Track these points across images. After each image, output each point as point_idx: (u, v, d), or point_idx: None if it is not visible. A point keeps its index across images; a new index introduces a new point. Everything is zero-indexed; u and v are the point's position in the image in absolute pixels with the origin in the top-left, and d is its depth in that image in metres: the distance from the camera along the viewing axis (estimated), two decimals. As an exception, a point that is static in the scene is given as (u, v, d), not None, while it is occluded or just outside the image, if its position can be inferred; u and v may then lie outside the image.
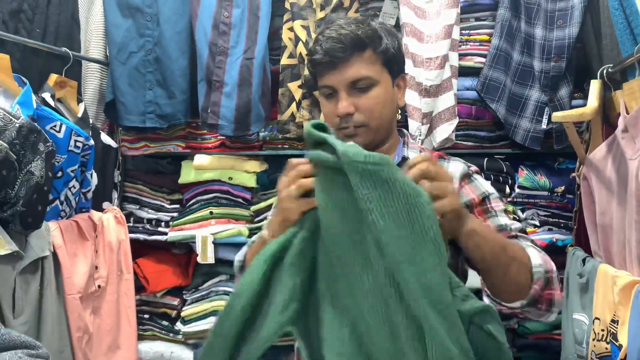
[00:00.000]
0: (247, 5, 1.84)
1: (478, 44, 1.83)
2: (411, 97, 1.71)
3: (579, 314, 1.47)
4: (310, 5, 1.80)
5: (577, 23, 1.61)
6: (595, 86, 1.44)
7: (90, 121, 1.79)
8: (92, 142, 1.67)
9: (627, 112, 1.24)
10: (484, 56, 1.79)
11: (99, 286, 1.73)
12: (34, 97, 1.48)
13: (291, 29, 1.82)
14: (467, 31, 1.82)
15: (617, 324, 1.20)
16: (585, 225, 1.52)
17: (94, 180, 1.77)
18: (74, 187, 1.66)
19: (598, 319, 1.31)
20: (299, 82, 1.83)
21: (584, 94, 1.77)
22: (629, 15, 1.27)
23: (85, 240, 1.69)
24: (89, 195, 1.75)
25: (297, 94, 1.83)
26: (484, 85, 1.73)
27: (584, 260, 1.48)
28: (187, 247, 2.09)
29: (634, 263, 1.21)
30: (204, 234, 1.92)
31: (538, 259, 0.89)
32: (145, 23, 1.89)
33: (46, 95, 1.61)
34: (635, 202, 1.16)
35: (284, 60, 1.84)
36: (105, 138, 1.88)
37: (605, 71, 1.44)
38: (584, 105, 1.69)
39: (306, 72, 1.77)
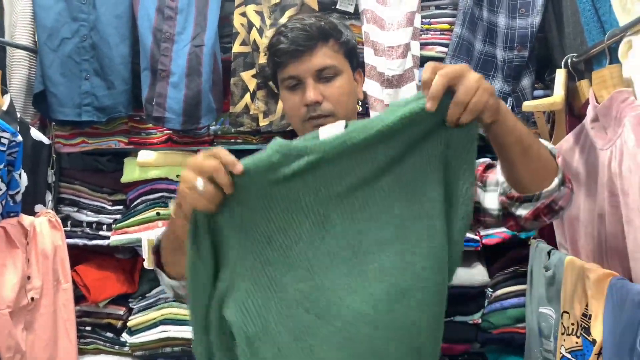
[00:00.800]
0: (195, -13, 1.70)
1: (439, 33, 1.78)
2: (372, 88, 1.63)
3: (545, 307, 1.46)
4: (264, -11, 1.69)
5: (539, 11, 1.59)
6: (560, 75, 1.42)
7: (18, 115, 1.63)
8: (19, 138, 1.50)
9: (598, 102, 1.21)
10: (445, 45, 1.74)
11: (32, 298, 1.59)
12: (-53, 87, 1.30)
13: (243, 14, 1.70)
14: (428, 20, 1.77)
15: (590, 318, 1.17)
16: (548, 218, 1.51)
17: (24, 181, 1.61)
18: (0, 190, 1.49)
19: (567, 312, 1.29)
20: (253, 71, 1.72)
21: (544, 84, 1.76)
22: (596, 2, 1.25)
23: (14, 248, 1.55)
24: (18, 197, 1.58)
25: (251, 84, 1.72)
26: (446, 75, 1.68)
27: (549, 253, 1.46)
28: (132, 252, 1.96)
29: (604, 255, 1.19)
30: (151, 237, 1.79)
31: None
32: (80, 5, 1.73)
33: (-38, 85, 1.43)
34: (607, 193, 1.14)
35: (236, 48, 1.73)
36: (35, 134, 1.71)
37: (570, 60, 1.42)
38: (545, 95, 1.69)
39: (261, 60, 1.66)
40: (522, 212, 0.92)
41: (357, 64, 1.11)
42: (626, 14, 1.12)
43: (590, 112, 1.24)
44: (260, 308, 0.83)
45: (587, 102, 1.30)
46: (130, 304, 1.88)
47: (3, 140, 1.45)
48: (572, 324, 1.27)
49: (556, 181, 0.89)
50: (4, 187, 1.51)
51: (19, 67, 1.75)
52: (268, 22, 1.69)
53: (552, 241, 1.52)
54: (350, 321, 0.83)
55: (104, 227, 1.88)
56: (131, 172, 1.85)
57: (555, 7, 1.60)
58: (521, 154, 0.86)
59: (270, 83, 1.69)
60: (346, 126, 0.84)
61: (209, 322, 0.86)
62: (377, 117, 0.81)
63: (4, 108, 1.56)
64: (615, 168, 1.11)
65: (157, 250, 0.98)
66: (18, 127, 1.55)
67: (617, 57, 1.18)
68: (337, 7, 1.74)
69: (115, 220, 1.87)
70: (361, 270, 0.84)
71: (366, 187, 0.83)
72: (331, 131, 0.82)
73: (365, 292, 0.83)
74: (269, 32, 1.64)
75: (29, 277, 1.59)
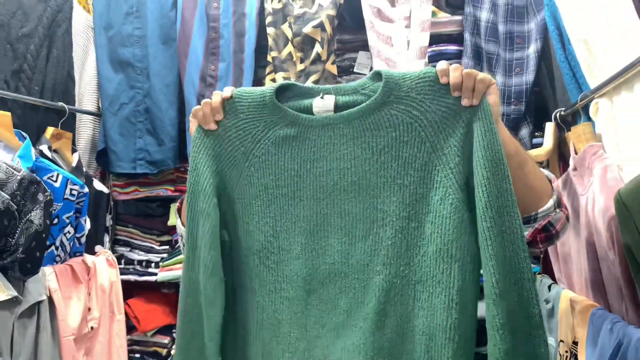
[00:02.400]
0: (232, 59, 1.98)
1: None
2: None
3: (547, 338, 1.58)
4: (291, 58, 1.94)
5: (532, 70, 1.77)
6: (549, 128, 1.58)
7: (84, 169, 1.89)
8: (86, 190, 1.75)
9: (576, 153, 1.38)
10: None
11: (92, 327, 1.76)
12: (33, 150, 1.58)
13: (273, 80, 1.96)
14: (435, 78, 1.97)
15: (578, 346, 1.31)
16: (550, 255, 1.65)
17: (87, 225, 1.85)
18: (69, 233, 1.74)
19: (562, 341, 1.42)
20: (281, 128, 1.95)
21: (543, 132, 1.92)
22: (573, 66, 1.43)
23: (79, 283, 1.74)
24: (83, 239, 1.82)
25: (280, 139, 1.95)
26: (452, 127, 1.87)
27: (549, 287, 1.60)
28: (176, 287, 2.15)
29: (589, 288, 1.33)
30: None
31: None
32: (136, 77, 2.01)
33: (44, 147, 1.71)
34: (586, 233, 1.29)
35: (267, 108, 1.97)
36: (97, 184, 1.97)
37: (558, 114, 1.59)
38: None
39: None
40: None
41: None
42: (593, 78, 1.30)
43: (571, 162, 1.41)
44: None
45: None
46: (174, 334, 2.04)
47: (73, 192, 1.71)
48: (566, 352, 1.39)
49: (551, 202, 0.91)
50: (72, 231, 1.76)
51: (86, 129, 2.04)
52: (294, 85, 1.94)
53: (553, 277, 1.65)
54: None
55: (153, 264, 2.08)
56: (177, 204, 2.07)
57: (547, 67, 1.77)
58: (519, 167, 0.88)
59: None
60: (336, 104, 0.90)
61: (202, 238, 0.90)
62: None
63: (74, 164, 1.83)
64: (590, 211, 1.26)
65: (180, 209, 1.11)
66: (84, 180, 1.82)
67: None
68: (354, 70, 1.98)
69: (162, 259, 2.07)
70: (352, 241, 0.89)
71: (356, 169, 0.88)
72: (323, 104, 0.90)
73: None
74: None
75: (89, 309, 1.77)
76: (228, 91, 0.95)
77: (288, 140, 0.91)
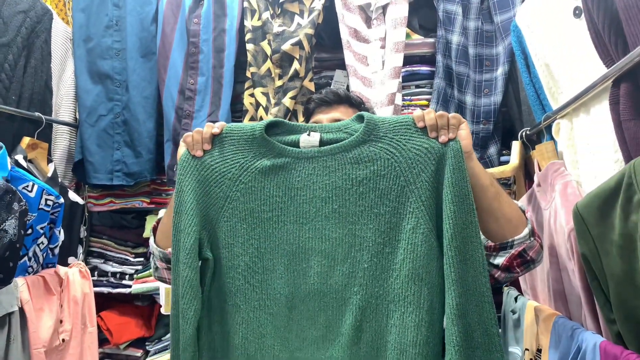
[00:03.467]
0: (212, 73, 2.01)
1: (418, 108, 2.05)
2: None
3: (513, 347, 1.63)
4: (270, 74, 1.99)
5: (500, 92, 1.86)
6: (515, 147, 1.66)
7: (59, 180, 1.88)
8: (62, 200, 1.75)
9: (540, 170, 1.46)
10: (424, 119, 2.01)
11: (63, 340, 1.74)
12: (8, 160, 1.57)
13: (252, 95, 2.00)
14: (409, 97, 2.05)
15: (541, 353, 1.37)
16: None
17: (61, 236, 1.84)
18: (43, 244, 1.72)
19: (527, 349, 1.48)
20: (259, 142, 1.99)
21: (510, 150, 2.00)
22: (538, 89, 1.51)
23: (51, 294, 1.72)
24: (56, 251, 1.80)
25: (258, 152, 1.99)
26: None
27: (516, 298, 1.66)
28: (149, 299, 2.15)
29: (552, 298, 1.40)
30: (168, 285, 1.99)
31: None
32: (115, 89, 2.03)
33: (19, 157, 1.70)
34: (549, 245, 1.36)
35: (246, 123, 2.01)
36: (72, 195, 1.96)
37: (524, 133, 1.67)
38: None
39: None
40: (499, 260, 1.02)
41: None
42: (554, 101, 1.39)
43: (535, 179, 1.49)
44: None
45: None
46: (147, 347, 2.04)
47: (48, 202, 1.69)
48: (531, 359, 1.46)
49: (526, 230, 1.01)
50: (46, 242, 1.74)
51: (62, 140, 2.03)
52: (273, 101, 1.98)
53: (520, 289, 1.72)
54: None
55: (127, 276, 2.07)
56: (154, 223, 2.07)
57: (514, 88, 1.86)
58: (494, 198, 0.98)
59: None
60: (321, 140, 1.00)
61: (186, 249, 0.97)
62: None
63: (49, 175, 1.82)
64: (552, 225, 1.33)
65: (155, 228, 1.18)
66: (59, 190, 1.81)
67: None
68: (331, 88, 2.03)
69: (136, 271, 2.06)
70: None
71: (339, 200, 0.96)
72: (309, 140, 0.99)
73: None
74: (274, 110, 1.94)
75: (61, 321, 1.74)
76: (218, 128, 1.01)
77: (275, 169, 0.99)
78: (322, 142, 1.00)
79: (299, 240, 0.98)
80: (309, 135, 1.00)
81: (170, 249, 1.10)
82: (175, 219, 0.99)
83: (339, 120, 1.25)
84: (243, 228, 0.99)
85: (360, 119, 1.00)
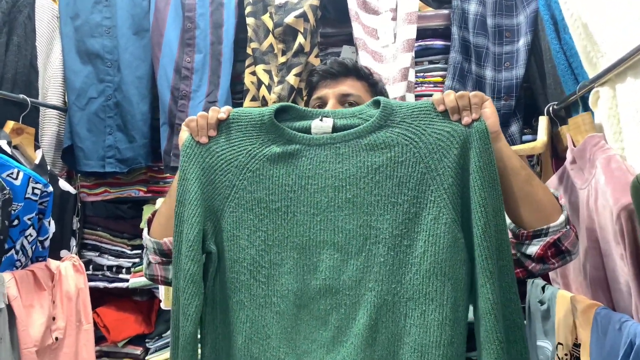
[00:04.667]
0: (209, 51, 1.88)
1: (432, 85, 1.92)
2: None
3: (542, 340, 1.52)
4: (272, 50, 1.85)
5: (522, 65, 1.73)
6: (543, 122, 1.54)
7: (48, 167, 1.75)
8: (50, 188, 1.63)
9: (574, 145, 1.33)
10: (439, 96, 1.88)
11: (57, 338, 1.65)
12: (-11, 145, 1.45)
13: (253, 73, 1.86)
14: (422, 73, 1.92)
15: (580, 348, 1.24)
16: (542, 254, 1.59)
17: (52, 228, 1.72)
18: (31, 236, 1.61)
19: (561, 344, 1.36)
20: (262, 124, 1.86)
21: (532, 129, 1.87)
22: (569, 57, 1.38)
23: (41, 290, 1.62)
24: (46, 243, 1.69)
25: (261, 135, 1.86)
26: (440, 123, 1.81)
27: (543, 288, 1.54)
28: (149, 294, 2.05)
29: (590, 287, 1.27)
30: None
31: None
32: (106, 69, 1.90)
33: (2, 143, 1.57)
34: (587, 228, 1.23)
35: (247, 103, 1.88)
36: (63, 184, 1.84)
37: (551, 108, 1.54)
38: (533, 139, 1.81)
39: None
40: (533, 249, 0.94)
41: None
42: (592, 67, 1.26)
43: (569, 155, 1.36)
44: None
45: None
46: (147, 344, 1.96)
47: (35, 191, 1.57)
48: (566, 355, 1.33)
49: (562, 217, 0.93)
50: (34, 234, 1.63)
51: (50, 125, 1.91)
52: (276, 79, 1.85)
53: (547, 277, 1.60)
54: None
55: (124, 270, 1.97)
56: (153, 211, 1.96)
57: (537, 61, 1.73)
58: (526, 182, 0.92)
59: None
60: (334, 126, 0.94)
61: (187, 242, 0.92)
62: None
63: (37, 162, 1.70)
64: (592, 205, 1.21)
65: (151, 220, 1.10)
66: (48, 179, 1.69)
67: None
68: (336, 58, 1.90)
69: (133, 264, 1.96)
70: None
71: (354, 188, 0.90)
72: (321, 126, 0.93)
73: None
74: (277, 89, 1.80)
75: (54, 318, 1.65)
76: (225, 112, 0.95)
77: (284, 157, 0.93)
78: (335, 128, 0.94)
79: (310, 232, 0.92)
80: (321, 120, 0.94)
81: (165, 239, 1.02)
82: (178, 209, 0.93)
83: (346, 94, 1.14)
84: (250, 219, 0.93)
85: (376, 104, 0.94)
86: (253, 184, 0.93)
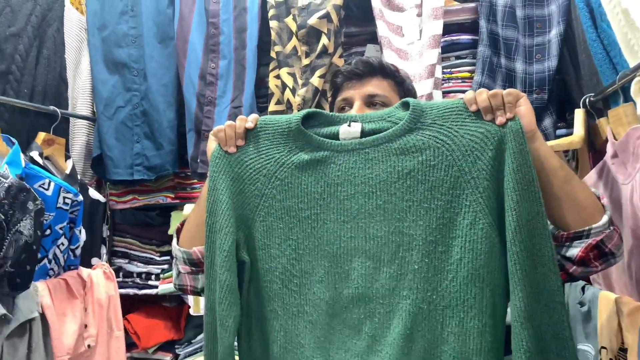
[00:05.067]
0: (233, 56, 1.87)
1: (460, 81, 1.86)
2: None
3: (583, 344, 1.44)
4: (296, 53, 1.83)
5: (555, 56, 1.66)
6: (579, 115, 1.47)
7: (79, 177, 1.78)
8: (80, 198, 1.65)
9: (615, 138, 1.26)
10: (467, 93, 1.83)
11: (89, 346, 1.66)
12: (22, 156, 1.47)
13: (277, 77, 1.85)
14: (449, 69, 1.86)
15: (627, 353, 1.17)
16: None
17: (83, 236, 1.74)
18: (63, 245, 1.63)
19: (605, 348, 1.28)
20: (287, 127, 1.84)
21: (566, 123, 1.80)
22: (607, 45, 1.31)
23: (74, 298, 1.64)
24: (78, 251, 1.71)
25: (286, 139, 1.84)
26: (469, 120, 1.76)
27: (583, 289, 1.46)
28: (178, 300, 2.05)
29: (636, 288, 1.20)
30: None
31: None
32: (132, 78, 1.91)
33: (34, 154, 1.60)
34: (632, 225, 1.16)
35: (272, 107, 1.86)
36: (93, 193, 1.86)
37: (587, 100, 1.47)
38: (568, 134, 1.74)
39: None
40: (573, 251, 0.89)
41: None
42: (634, 55, 1.19)
43: (609, 149, 1.29)
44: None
45: (607, 139, 1.35)
46: (176, 350, 1.95)
47: (67, 201, 1.59)
48: (611, 359, 1.26)
49: (605, 218, 0.88)
50: (66, 243, 1.65)
51: (80, 135, 1.93)
52: (300, 82, 1.83)
53: (587, 277, 1.52)
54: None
55: (153, 277, 1.97)
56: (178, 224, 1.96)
57: (570, 51, 1.66)
58: (565, 182, 0.88)
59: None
60: (363, 131, 0.91)
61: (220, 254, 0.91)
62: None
63: (67, 172, 1.72)
64: (636, 201, 1.14)
65: (179, 230, 1.08)
66: (79, 188, 1.71)
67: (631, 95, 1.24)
68: (361, 57, 1.86)
69: (162, 270, 1.96)
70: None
71: (385, 194, 0.88)
72: (349, 132, 0.91)
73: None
74: (301, 91, 1.78)
75: (86, 326, 1.66)
76: (252, 122, 0.95)
77: (313, 164, 0.92)
78: (364, 133, 0.92)
79: (341, 240, 0.90)
80: (349, 126, 0.92)
81: (195, 249, 1.01)
82: (210, 219, 0.93)
83: (372, 95, 1.10)
84: (280, 228, 0.93)
85: (405, 105, 0.92)
86: (282, 192, 0.92)
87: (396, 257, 0.87)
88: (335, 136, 0.93)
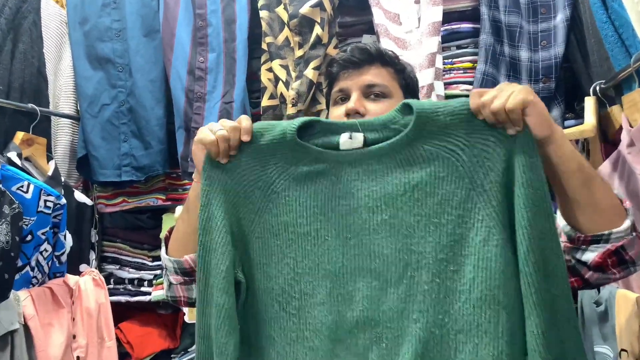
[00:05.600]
0: (223, 49, 1.78)
1: (462, 71, 1.78)
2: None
3: (600, 346, 1.37)
4: (288, 44, 1.75)
5: (562, 42, 1.58)
6: (590, 103, 1.39)
7: (62, 179, 1.69)
8: (63, 201, 1.56)
9: (631, 126, 1.18)
10: (469, 83, 1.74)
11: (78, 357, 1.59)
12: (-3, 157, 1.39)
13: (270, 70, 1.76)
14: (450, 59, 1.78)
15: (650, 355, 1.10)
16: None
17: (69, 242, 1.66)
18: (46, 251, 1.55)
19: (625, 350, 1.21)
20: (281, 123, 1.76)
21: (575, 114, 1.72)
22: (618, 27, 1.24)
23: (60, 307, 1.57)
24: (63, 258, 1.63)
25: (280, 135, 1.76)
26: (473, 111, 1.68)
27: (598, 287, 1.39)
28: (173, 307, 1.96)
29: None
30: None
31: None
32: (117, 74, 1.83)
33: (12, 155, 1.51)
34: (652, 219, 1.09)
35: (265, 102, 1.78)
36: (79, 196, 1.78)
37: (597, 87, 1.40)
38: (577, 124, 1.65)
39: (289, 111, 1.70)
40: (589, 256, 0.83)
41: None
42: (649, 36, 1.11)
43: (625, 137, 1.21)
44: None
45: (621, 128, 1.27)
46: None
47: (48, 204, 1.51)
48: (632, 363, 1.19)
49: (627, 223, 0.82)
50: (50, 249, 1.56)
51: (63, 135, 1.85)
52: (293, 74, 1.74)
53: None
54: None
55: (145, 283, 1.89)
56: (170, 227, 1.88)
57: (577, 36, 1.58)
58: (584, 185, 0.81)
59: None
60: (364, 140, 0.83)
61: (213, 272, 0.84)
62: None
63: (50, 173, 1.63)
64: (657, 192, 1.06)
65: (168, 238, 1.00)
66: (63, 191, 1.62)
67: (646, 79, 1.16)
68: (357, 44, 1.78)
69: (155, 276, 1.89)
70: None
71: (390, 208, 0.81)
72: (351, 143, 0.83)
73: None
74: (295, 84, 1.69)
75: (74, 336, 1.60)
76: (247, 134, 0.85)
77: (311, 176, 0.85)
78: (366, 143, 0.84)
79: (343, 258, 0.83)
80: (350, 138, 0.83)
81: (187, 257, 0.93)
82: (203, 238, 0.85)
83: (371, 85, 1.02)
84: (277, 245, 0.85)
85: (408, 109, 0.82)
86: (278, 207, 0.85)
87: (404, 277, 0.80)
88: (335, 146, 0.84)
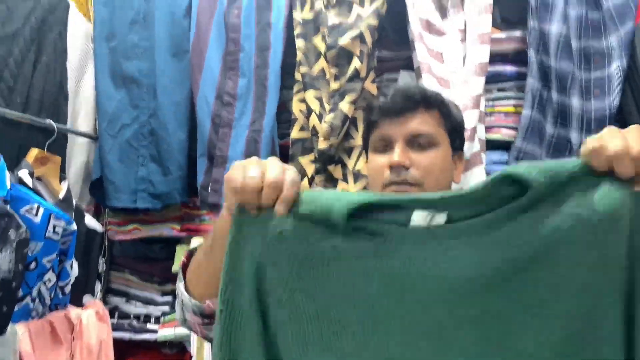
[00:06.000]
0: (254, 75, 1.70)
1: (503, 115, 1.70)
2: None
3: None
4: (323, 75, 1.66)
5: (616, 92, 1.50)
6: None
7: (74, 202, 1.58)
8: (74, 226, 1.44)
9: None
10: (511, 128, 1.66)
11: None
12: (8, 176, 1.27)
13: (302, 100, 1.67)
14: (491, 102, 1.70)
15: None
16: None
17: (74, 271, 1.53)
18: (50, 281, 1.42)
19: None
20: (311, 157, 1.66)
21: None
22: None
23: (59, 344, 1.44)
24: (67, 289, 1.50)
25: (309, 169, 1.65)
26: (517, 158, 1.58)
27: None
28: (179, 347, 1.82)
29: None
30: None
31: None
32: (141, 93, 1.74)
33: (23, 173, 1.40)
34: None
35: (295, 134, 1.68)
36: (89, 221, 1.66)
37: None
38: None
39: (320, 145, 1.60)
40: None
41: (459, 145, 0.99)
42: None
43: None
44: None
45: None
46: None
47: (57, 229, 1.39)
48: None
49: None
50: (54, 279, 1.43)
51: (79, 154, 1.75)
52: (327, 107, 1.65)
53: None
54: None
55: (152, 319, 1.76)
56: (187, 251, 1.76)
57: (633, 88, 1.50)
58: None
59: (330, 167, 1.63)
60: (448, 219, 0.64)
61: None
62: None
63: (61, 196, 1.52)
64: None
65: (185, 265, 0.87)
66: (73, 215, 1.51)
67: None
68: (397, 86, 1.69)
69: (163, 313, 1.75)
70: None
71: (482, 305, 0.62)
72: (428, 220, 0.64)
73: None
74: (329, 117, 1.60)
75: None
76: (286, 205, 0.66)
77: (363, 253, 0.64)
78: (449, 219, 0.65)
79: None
80: (431, 220, 0.64)
81: (208, 302, 0.80)
82: (226, 310, 0.67)
83: (416, 135, 0.91)
84: (312, 338, 0.65)
85: (505, 179, 0.63)
86: (316, 287, 0.65)
87: None
88: (402, 222, 0.65)
